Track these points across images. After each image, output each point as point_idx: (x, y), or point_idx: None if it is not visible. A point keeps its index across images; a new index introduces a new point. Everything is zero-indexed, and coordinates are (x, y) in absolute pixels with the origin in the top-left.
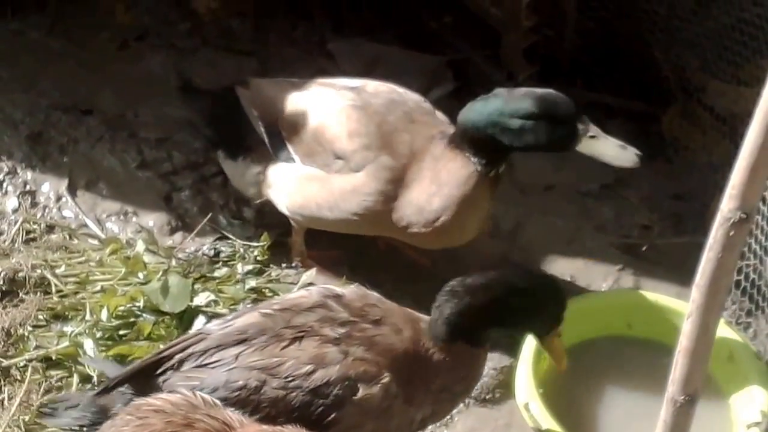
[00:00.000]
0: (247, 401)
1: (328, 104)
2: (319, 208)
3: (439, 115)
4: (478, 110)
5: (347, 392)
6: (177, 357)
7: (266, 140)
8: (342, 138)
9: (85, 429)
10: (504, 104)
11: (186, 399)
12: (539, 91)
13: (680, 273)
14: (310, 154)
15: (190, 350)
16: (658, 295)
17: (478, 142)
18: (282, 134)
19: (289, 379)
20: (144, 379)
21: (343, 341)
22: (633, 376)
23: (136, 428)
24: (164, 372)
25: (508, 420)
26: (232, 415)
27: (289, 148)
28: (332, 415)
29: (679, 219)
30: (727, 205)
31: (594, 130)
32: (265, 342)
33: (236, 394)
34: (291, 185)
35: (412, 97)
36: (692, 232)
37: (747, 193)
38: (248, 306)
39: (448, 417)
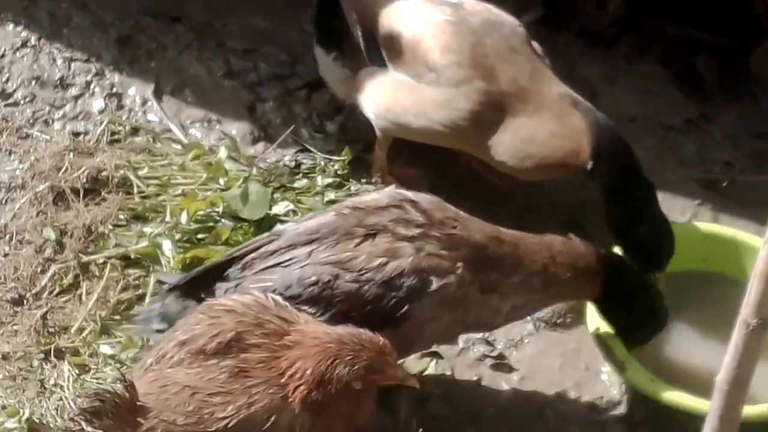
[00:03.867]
0: (320, 297)
1: (426, 16)
2: (405, 113)
3: (535, 45)
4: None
5: (420, 284)
6: (249, 258)
7: (362, 44)
8: (435, 51)
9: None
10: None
11: (257, 300)
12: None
13: (760, 211)
14: (404, 62)
15: (263, 250)
16: (735, 230)
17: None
18: (378, 40)
19: (362, 272)
20: (213, 280)
21: (417, 239)
22: (706, 309)
23: (207, 327)
24: (231, 273)
25: (578, 345)
26: (298, 313)
27: (384, 54)
28: (406, 308)
29: (762, 158)
30: None
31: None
32: (336, 239)
33: (310, 290)
34: (380, 89)
35: (507, 20)
36: None
37: None
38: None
39: (518, 338)
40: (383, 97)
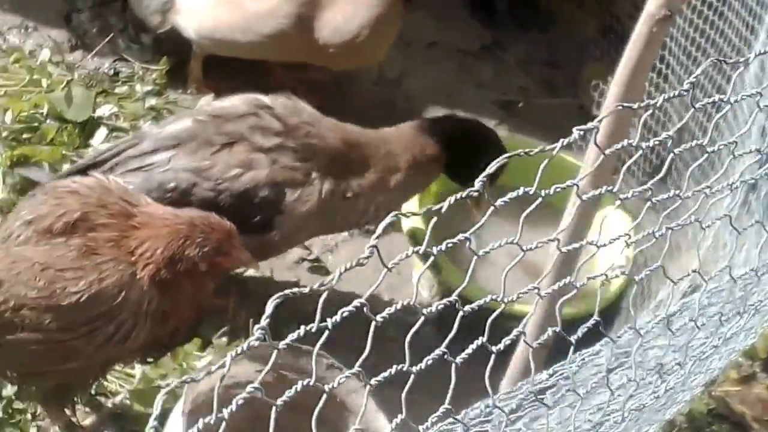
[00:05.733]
0: (179, 202)
1: None
2: (231, 32)
3: None
4: None
5: (274, 196)
6: (112, 161)
7: None
8: None
9: None
10: None
11: (100, 182)
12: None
13: (551, 131)
14: None
15: (126, 154)
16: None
17: None
18: None
19: (219, 181)
20: None
21: (274, 150)
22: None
23: (53, 207)
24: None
25: (389, 250)
26: (140, 196)
27: None
28: (259, 218)
29: (552, 84)
30: (654, 2)
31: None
32: (195, 147)
33: (169, 195)
34: (201, 10)
35: None
36: (564, 96)
37: None
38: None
39: (333, 244)
40: (206, 18)
